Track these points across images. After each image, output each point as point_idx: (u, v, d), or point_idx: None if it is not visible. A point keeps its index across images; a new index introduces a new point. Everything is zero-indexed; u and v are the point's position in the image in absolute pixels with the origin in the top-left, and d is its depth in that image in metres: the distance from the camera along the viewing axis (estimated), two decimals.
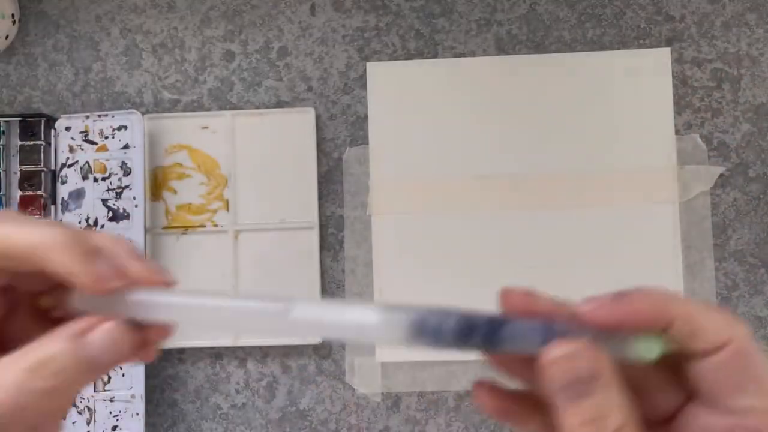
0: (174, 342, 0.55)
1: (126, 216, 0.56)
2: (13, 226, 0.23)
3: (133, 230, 0.55)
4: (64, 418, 0.54)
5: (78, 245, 0.23)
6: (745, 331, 0.21)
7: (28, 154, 0.56)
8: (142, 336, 0.24)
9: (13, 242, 0.23)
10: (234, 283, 0.56)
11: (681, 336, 0.21)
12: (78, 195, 0.56)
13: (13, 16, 0.58)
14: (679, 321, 0.21)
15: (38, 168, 0.56)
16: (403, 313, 0.21)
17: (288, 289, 0.56)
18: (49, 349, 0.22)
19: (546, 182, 0.56)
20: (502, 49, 0.57)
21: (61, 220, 0.56)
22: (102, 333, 0.23)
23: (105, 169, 0.56)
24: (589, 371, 0.20)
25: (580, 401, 0.20)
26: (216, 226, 0.57)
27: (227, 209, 0.57)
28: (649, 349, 0.21)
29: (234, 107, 0.58)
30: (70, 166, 0.56)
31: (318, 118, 0.57)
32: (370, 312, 0.21)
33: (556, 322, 0.21)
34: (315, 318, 0.22)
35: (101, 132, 0.56)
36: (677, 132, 0.56)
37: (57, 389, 0.22)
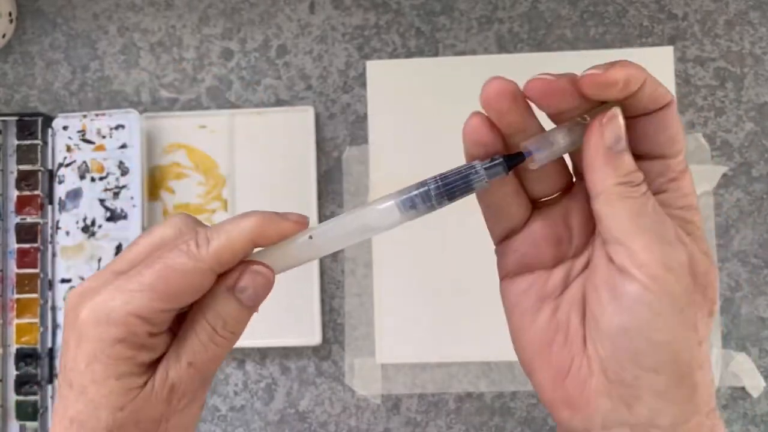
0: None
1: (123, 216, 0.55)
2: (228, 228, 0.27)
3: (131, 230, 0.55)
4: None
5: (274, 216, 0.27)
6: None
7: (25, 154, 0.56)
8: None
9: (244, 238, 0.27)
10: None
11: (646, 96, 0.25)
12: (75, 195, 0.56)
13: (10, 14, 0.58)
14: (648, 81, 0.25)
15: (35, 168, 0.56)
16: (391, 199, 0.27)
17: (288, 289, 0.55)
18: (214, 304, 0.27)
19: None
20: (503, 47, 0.57)
21: (57, 220, 0.55)
22: (248, 277, 0.27)
23: (102, 169, 0.56)
24: (621, 132, 0.25)
25: (619, 160, 0.25)
26: None
27: (225, 209, 0.56)
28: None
29: (232, 106, 0.58)
30: (67, 165, 0.56)
31: (317, 117, 0.57)
32: (369, 211, 0.27)
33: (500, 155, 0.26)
34: (333, 235, 0.27)
35: (99, 131, 0.56)
36: None
37: (232, 340, 0.28)
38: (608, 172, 0.25)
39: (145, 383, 0.26)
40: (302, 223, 0.28)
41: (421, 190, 0.26)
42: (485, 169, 0.26)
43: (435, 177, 0.26)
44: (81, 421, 0.25)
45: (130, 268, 0.26)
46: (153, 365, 0.26)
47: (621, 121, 0.25)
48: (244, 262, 0.27)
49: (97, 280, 0.26)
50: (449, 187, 0.26)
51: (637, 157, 0.26)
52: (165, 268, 0.25)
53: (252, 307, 0.28)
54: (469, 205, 0.61)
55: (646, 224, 0.24)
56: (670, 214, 0.26)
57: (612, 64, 0.24)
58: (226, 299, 0.27)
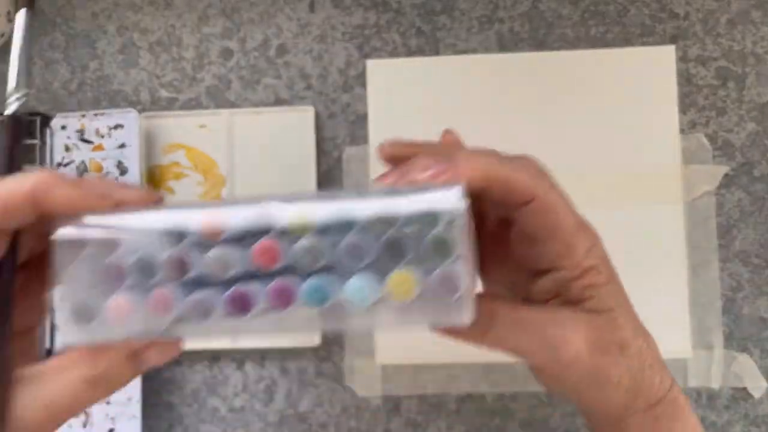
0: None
1: None
2: (3, 182, 0.25)
3: None
4: None
5: (68, 178, 0.25)
6: (548, 184, 0.28)
7: (23, 154, 0.55)
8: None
9: (11, 194, 0.25)
10: None
11: (499, 193, 0.26)
12: None
13: (9, 13, 0.57)
14: (497, 181, 0.26)
15: (34, 167, 0.55)
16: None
17: None
18: (109, 364, 0.25)
19: None
20: (504, 46, 0.57)
21: None
22: (155, 352, 0.26)
23: (101, 169, 0.55)
24: None
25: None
26: None
27: None
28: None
29: (232, 106, 0.57)
30: (66, 165, 0.56)
31: (317, 116, 0.57)
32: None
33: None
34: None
35: (97, 131, 0.56)
36: (681, 131, 0.55)
37: (106, 397, 0.26)
38: None
39: None
40: (105, 199, 0.25)
41: None
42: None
43: None
44: None
45: None
46: None
47: None
48: (157, 341, 0.25)
49: None
50: None
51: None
52: None
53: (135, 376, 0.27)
54: None
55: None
56: (569, 287, 0.29)
57: (444, 163, 0.25)
58: (123, 364, 0.26)
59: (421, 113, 0.56)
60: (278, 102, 0.57)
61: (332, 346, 0.55)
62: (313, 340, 0.54)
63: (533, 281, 0.30)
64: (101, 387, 0.25)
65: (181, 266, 0.24)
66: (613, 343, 0.28)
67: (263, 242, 0.24)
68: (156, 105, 0.58)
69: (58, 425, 0.25)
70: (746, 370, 0.53)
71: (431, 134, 0.59)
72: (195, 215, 0.25)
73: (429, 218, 0.24)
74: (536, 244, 0.28)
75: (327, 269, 0.24)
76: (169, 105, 0.58)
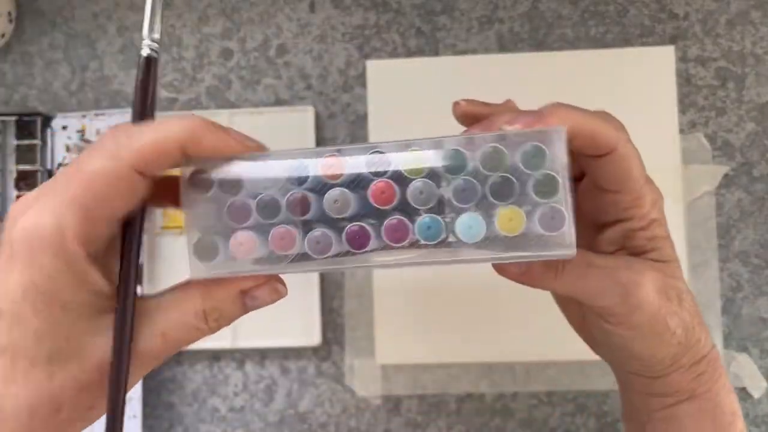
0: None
1: None
2: (156, 126, 0.25)
3: None
4: None
5: (215, 124, 0.26)
6: (626, 137, 0.29)
7: (24, 154, 0.56)
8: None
9: (166, 138, 0.25)
10: None
11: (583, 144, 0.27)
12: None
13: (9, 14, 0.58)
14: (582, 133, 0.27)
15: (34, 167, 0.55)
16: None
17: (288, 289, 0.55)
18: (221, 300, 0.26)
19: None
20: (503, 46, 0.57)
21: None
22: (266, 290, 0.27)
23: None
24: None
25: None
26: None
27: None
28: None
29: (232, 106, 0.58)
30: (66, 165, 0.56)
31: (317, 116, 0.57)
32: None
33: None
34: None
35: (98, 131, 0.56)
36: (681, 131, 0.55)
37: (215, 331, 0.27)
38: None
39: (92, 315, 0.25)
40: (247, 143, 0.26)
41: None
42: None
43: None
44: (16, 349, 0.24)
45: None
46: (100, 298, 0.25)
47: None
48: (269, 276, 0.27)
49: (38, 191, 0.25)
50: None
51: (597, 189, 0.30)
52: (84, 175, 0.24)
53: (247, 312, 0.28)
54: None
55: None
56: (634, 237, 0.30)
57: (545, 113, 0.26)
58: (234, 300, 0.27)
59: (420, 113, 0.56)
60: (278, 102, 0.57)
61: (332, 345, 0.56)
62: (314, 339, 0.54)
63: (600, 233, 0.32)
64: (211, 321, 0.27)
65: (302, 206, 0.26)
66: (675, 291, 0.30)
67: (379, 183, 0.26)
68: (156, 105, 0.58)
69: (172, 353, 0.27)
70: (746, 370, 0.53)
71: (431, 134, 0.58)
72: (314, 160, 0.26)
73: (536, 158, 0.25)
74: (607, 195, 0.30)
75: (438, 209, 0.26)
76: (170, 105, 0.58)
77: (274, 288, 0.27)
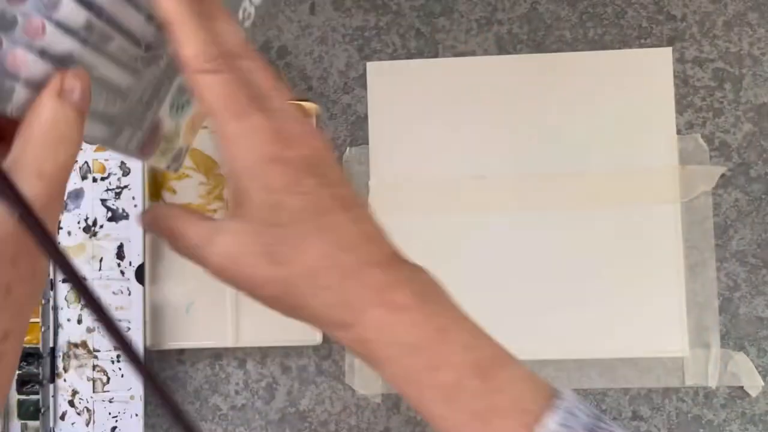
0: (174, 342, 0.55)
1: (125, 216, 0.55)
2: None
3: (133, 230, 0.55)
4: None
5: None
6: None
7: None
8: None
9: None
10: None
11: None
12: (77, 195, 0.56)
13: None
14: None
15: None
16: None
17: None
18: (46, 111, 0.25)
19: (547, 182, 0.55)
20: (502, 48, 0.57)
21: (59, 220, 0.56)
22: (74, 78, 0.26)
23: (104, 169, 0.56)
24: None
25: None
26: None
27: (227, 209, 0.57)
28: None
29: None
30: None
31: (318, 117, 0.57)
32: None
33: None
34: None
35: None
36: (678, 132, 0.56)
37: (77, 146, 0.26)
38: None
39: None
40: None
41: None
42: None
43: None
44: None
45: None
46: None
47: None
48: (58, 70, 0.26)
49: None
50: None
51: None
52: None
53: (83, 113, 0.26)
54: (469, 205, 0.61)
55: None
56: None
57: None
58: (59, 106, 0.26)
59: (420, 114, 0.57)
60: None
61: (333, 344, 0.56)
62: (315, 338, 0.55)
63: None
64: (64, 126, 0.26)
65: None
66: None
67: None
68: None
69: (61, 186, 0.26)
70: (743, 369, 0.54)
71: (431, 135, 0.59)
72: None
73: None
74: None
75: None
76: None
77: (76, 73, 0.26)
